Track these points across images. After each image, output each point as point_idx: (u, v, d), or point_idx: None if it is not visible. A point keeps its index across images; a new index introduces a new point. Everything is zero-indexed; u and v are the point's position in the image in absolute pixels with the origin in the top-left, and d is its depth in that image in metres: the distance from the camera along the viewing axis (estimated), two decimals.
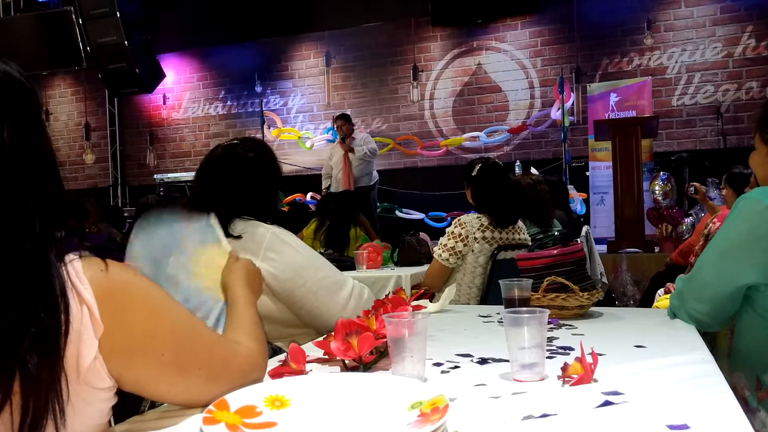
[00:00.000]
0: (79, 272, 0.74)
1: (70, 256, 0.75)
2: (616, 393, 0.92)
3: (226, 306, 1.10)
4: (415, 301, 1.41)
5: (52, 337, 0.70)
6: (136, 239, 1.24)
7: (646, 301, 3.74)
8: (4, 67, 0.76)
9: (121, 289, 0.77)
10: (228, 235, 1.58)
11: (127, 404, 1.04)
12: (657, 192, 4.96)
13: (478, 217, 2.68)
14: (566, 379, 1.00)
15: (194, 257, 1.21)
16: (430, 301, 1.79)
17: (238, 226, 1.60)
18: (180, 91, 8.90)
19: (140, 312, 0.78)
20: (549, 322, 1.19)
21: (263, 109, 8.09)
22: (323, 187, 6.78)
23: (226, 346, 0.91)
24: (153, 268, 1.18)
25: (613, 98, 6.40)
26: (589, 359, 0.99)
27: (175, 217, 1.27)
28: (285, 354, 1.14)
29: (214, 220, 1.29)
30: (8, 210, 0.71)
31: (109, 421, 0.82)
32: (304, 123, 8.27)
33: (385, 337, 1.06)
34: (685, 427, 0.76)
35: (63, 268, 0.73)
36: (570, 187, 5.85)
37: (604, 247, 4.81)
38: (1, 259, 0.69)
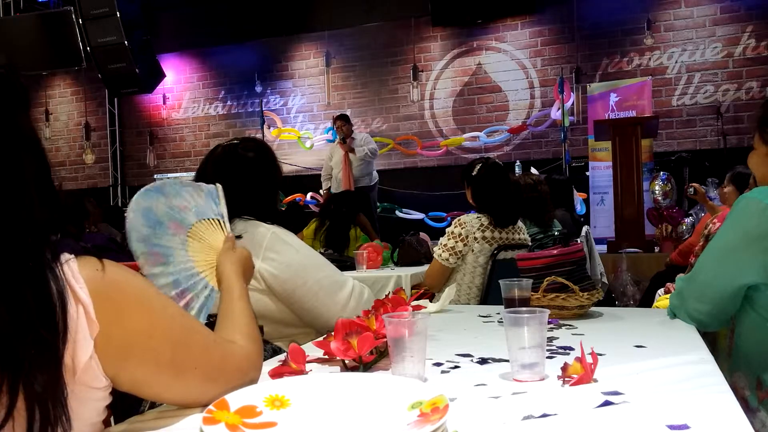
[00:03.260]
0: (75, 272, 0.74)
1: (66, 256, 0.75)
2: (616, 393, 0.92)
3: (220, 296, 1.08)
4: (415, 301, 1.41)
5: (53, 351, 0.69)
6: (138, 198, 1.14)
7: (646, 301, 3.74)
8: None
9: (117, 288, 0.77)
10: None
11: (127, 404, 1.04)
12: (657, 192, 4.96)
13: (478, 217, 2.68)
14: (566, 379, 1.00)
15: (192, 231, 1.15)
16: (430, 301, 1.79)
17: (238, 226, 1.60)
18: (180, 91, 8.89)
19: (136, 311, 0.78)
20: (549, 322, 1.19)
21: (263, 109, 8.09)
22: (323, 189, 6.77)
23: (223, 346, 0.91)
24: (151, 232, 1.11)
25: (613, 98, 6.40)
26: (589, 359, 0.99)
27: (182, 184, 1.19)
28: (285, 354, 1.14)
29: (220, 192, 1.23)
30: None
31: (109, 421, 0.82)
32: (304, 123, 8.27)
33: (385, 337, 1.06)
34: (685, 427, 0.76)
35: (59, 268, 0.73)
36: None
37: (604, 247, 4.81)
38: None
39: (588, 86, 6.73)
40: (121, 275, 0.79)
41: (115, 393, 0.80)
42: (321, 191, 6.89)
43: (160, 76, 8.36)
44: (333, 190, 6.40)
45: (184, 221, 1.15)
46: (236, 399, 0.81)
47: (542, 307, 1.17)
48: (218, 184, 1.24)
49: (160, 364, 0.80)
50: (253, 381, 0.93)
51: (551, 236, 3.22)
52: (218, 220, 1.20)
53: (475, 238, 2.63)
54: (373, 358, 1.11)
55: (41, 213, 0.74)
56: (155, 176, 8.24)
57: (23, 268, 0.70)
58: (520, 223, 2.83)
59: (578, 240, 3.50)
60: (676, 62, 6.83)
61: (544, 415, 0.83)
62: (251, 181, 1.68)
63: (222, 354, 0.89)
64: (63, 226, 0.77)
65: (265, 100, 8.31)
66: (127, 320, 0.77)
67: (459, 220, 2.69)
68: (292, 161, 7.97)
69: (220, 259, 1.13)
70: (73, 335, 0.72)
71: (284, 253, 1.58)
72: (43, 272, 0.71)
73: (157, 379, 0.81)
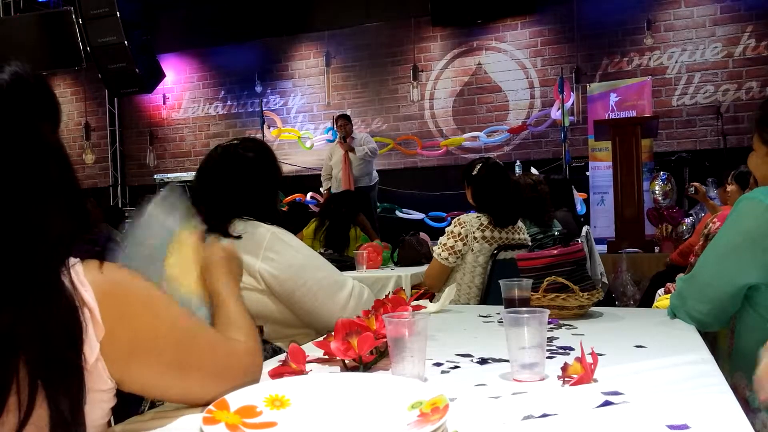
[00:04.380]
0: (81, 275, 0.74)
1: (72, 260, 0.75)
2: (616, 393, 0.92)
3: (212, 304, 1.05)
4: (415, 301, 1.41)
5: (78, 372, 0.70)
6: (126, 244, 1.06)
7: (646, 301, 3.74)
8: (16, 69, 0.74)
9: (121, 291, 0.77)
10: (228, 235, 1.58)
11: (127, 404, 1.03)
12: (657, 192, 4.95)
13: (477, 217, 2.68)
14: (566, 379, 0.99)
15: (167, 256, 1.08)
16: (430, 301, 1.79)
17: (238, 226, 1.60)
18: (180, 91, 8.89)
19: (141, 312, 0.78)
20: (549, 322, 1.19)
21: (263, 109, 8.09)
22: (323, 189, 6.77)
23: (226, 345, 0.91)
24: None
25: (613, 98, 6.39)
26: (589, 359, 0.99)
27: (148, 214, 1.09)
28: (285, 354, 1.14)
29: (175, 195, 1.12)
30: (21, 228, 0.70)
31: (109, 421, 0.82)
32: (304, 123, 8.27)
33: (385, 337, 1.06)
34: (685, 427, 0.76)
35: (66, 272, 0.73)
36: None
37: (604, 247, 4.81)
38: (17, 291, 0.68)
39: (588, 86, 6.73)
40: (125, 277, 0.79)
41: (116, 393, 0.80)
42: (322, 190, 6.89)
43: (160, 76, 8.35)
44: (333, 190, 6.40)
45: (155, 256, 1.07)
46: (236, 399, 0.81)
47: (542, 307, 1.17)
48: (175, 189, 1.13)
49: (165, 364, 0.80)
50: (256, 379, 0.93)
51: (551, 236, 3.22)
52: (183, 229, 1.11)
53: (475, 238, 2.63)
54: (373, 358, 1.11)
55: (66, 224, 0.74)
56: (155, 176, 8.23)
57: (48, 283, 0.70)
58: (520, 223, 2.82)
59: (578, 240, 3.50)
60: (676, 62, 6.83)
61: (544, 415, 0.83)
62: (251, 181, 1.68)
63: (226, 353, 0.89)
64: (81, 233, 0.77)
65: (265, 100, 8.31)
66: (132, 322, 0.77)
67: (459, 219, 2.69)
68: (292, 161, 7.96)
69: (202, 267, 1.09)
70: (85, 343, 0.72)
71: (284, 254, 1.58)
72: (61, 283, 0.71)
73: (163, 380, 0.81)
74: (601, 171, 6.30)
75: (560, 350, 1.23)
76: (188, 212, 1.13)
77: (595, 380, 0.99)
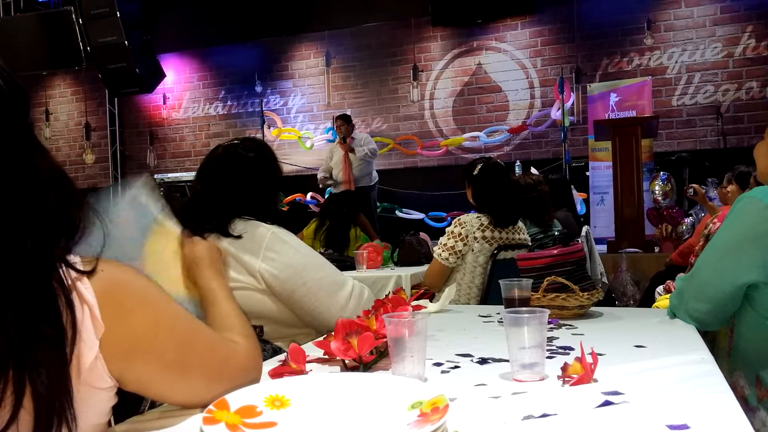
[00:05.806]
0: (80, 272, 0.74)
1: (72, 258, 0.75)
2: (616, 393, 0.92)
3: (204, 303, 1.07)
4: (415, 301, 1.41)
5: (59, 350, 0.69)
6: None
7: (646, 301, 3.74)
8: None
9: (121, 288, 0.77)
10: (228, 234, 1.58)
11: (127, 404, 1.03)
12: (657, 192, 4.95)
13: (477, 217, 2.68)
14: (566, 379, 1.00)
15: (143, 254, 1.07)
16: (430, 301, 1.79)
17: (238, 226, 1.60)
18: (180, 91, 8.89)
19: (141, 311, 0.78)
20: (549, 322, 1.19)
21: (263, 109, 8.08)
22: (319, 179, 6.68)
23: (226, 345, 0.91)
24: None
25: (613, 98, 6.39)
26: (589, 359, 0.99)
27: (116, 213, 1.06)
28: (285, 354, 1.14)
29: (142, 190, 1.09)
30: (3, 227, 0.69)
31: (109, 421, 0.82)
32: (304, 123, 8.27)
33: (385, 337, 1.06)
34: (685, 427, 0.76)
35: (64, 269, 0.72)
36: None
37: (604, 247, 4.81)
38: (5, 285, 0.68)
39: (588, 86, 6.73)
40: (125, 275, 0.79)
41: (117, 393, 0.80)
42: (318, 181, 6.78)
43: (160, 76, 8.34)
44: (333, 190, 6.40)
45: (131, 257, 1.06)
46: (236, 399, 0.81)
47: (542, 307, 1.17)
48: (143, 179, 1.12)
49: (164, 363, 0.80)
50: (255, 380, 0.93)
51: (551, 236, 3.22)
52: (158, 227, 1.10)
53: (475, 238, 2.63)
54: (373, 358, 1.11)
55: (53, 215, 0.73)
56: (155, 176, 8.23)
57: (29, 268, 0.69)
58: (520, 223, 2.83)
59: (578, 240, 3.50)
60: (676, 62, 6.83)
61: (544, 415, 0.83)
62: (251, 181, 1.68)
63: (225, 353, 0.89)
64: (78, 229, 0.76)
65: (265, 100, 8.31)
66: (132, 320, 0.77)
67: (459, 219, 2.69)
68: (292, 161, 7.96)
69: (188, 265, 1.11)
70: (79, 336, 0.72)
71: (284, 253, 1.58)
72: (49, 273, 0.71)
73: (162, 379, 0.81)
74: (601, 171, 6.31)
75: (560, 350, 1.23)
76: (166, 211, 1.13)
77: (595, 380, 0.99)
